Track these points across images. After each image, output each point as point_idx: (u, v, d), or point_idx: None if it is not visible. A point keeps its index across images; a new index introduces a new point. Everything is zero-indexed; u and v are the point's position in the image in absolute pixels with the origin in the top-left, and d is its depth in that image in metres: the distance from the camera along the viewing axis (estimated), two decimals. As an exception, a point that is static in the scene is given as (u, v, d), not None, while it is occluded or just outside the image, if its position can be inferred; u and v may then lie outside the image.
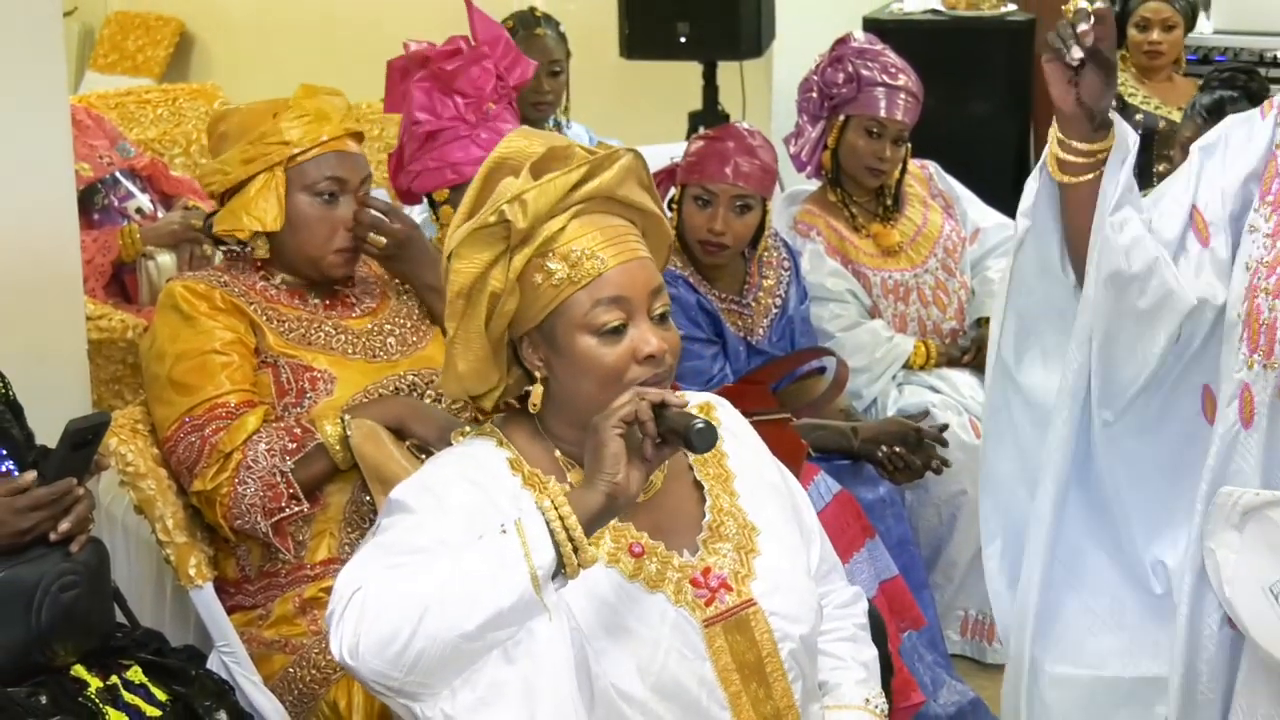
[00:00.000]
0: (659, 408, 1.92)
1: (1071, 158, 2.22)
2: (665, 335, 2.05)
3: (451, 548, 1.91)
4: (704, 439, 1.89)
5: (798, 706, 2.11)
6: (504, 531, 1.88)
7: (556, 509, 1.87)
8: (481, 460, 2.07)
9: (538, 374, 2.05)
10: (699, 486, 2.16)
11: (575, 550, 1.87)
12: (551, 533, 1.86)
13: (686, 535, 2.11)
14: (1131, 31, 5.19)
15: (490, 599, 1.84)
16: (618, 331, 2.01)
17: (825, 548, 2.28)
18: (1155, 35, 5.15)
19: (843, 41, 4.02)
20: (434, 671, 1.86)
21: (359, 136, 2.94)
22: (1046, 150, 2.25)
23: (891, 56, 3.98)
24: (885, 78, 3.93)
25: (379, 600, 1.85)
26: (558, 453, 2.08)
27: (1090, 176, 2.21)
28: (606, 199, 2.04)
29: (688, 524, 2.13)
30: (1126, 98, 5.17)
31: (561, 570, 1.88)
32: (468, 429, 2.15)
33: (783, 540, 2.16)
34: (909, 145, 4.01)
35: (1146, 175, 4.97)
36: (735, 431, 2.24)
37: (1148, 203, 2.29)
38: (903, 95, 3.92)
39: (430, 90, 3.21)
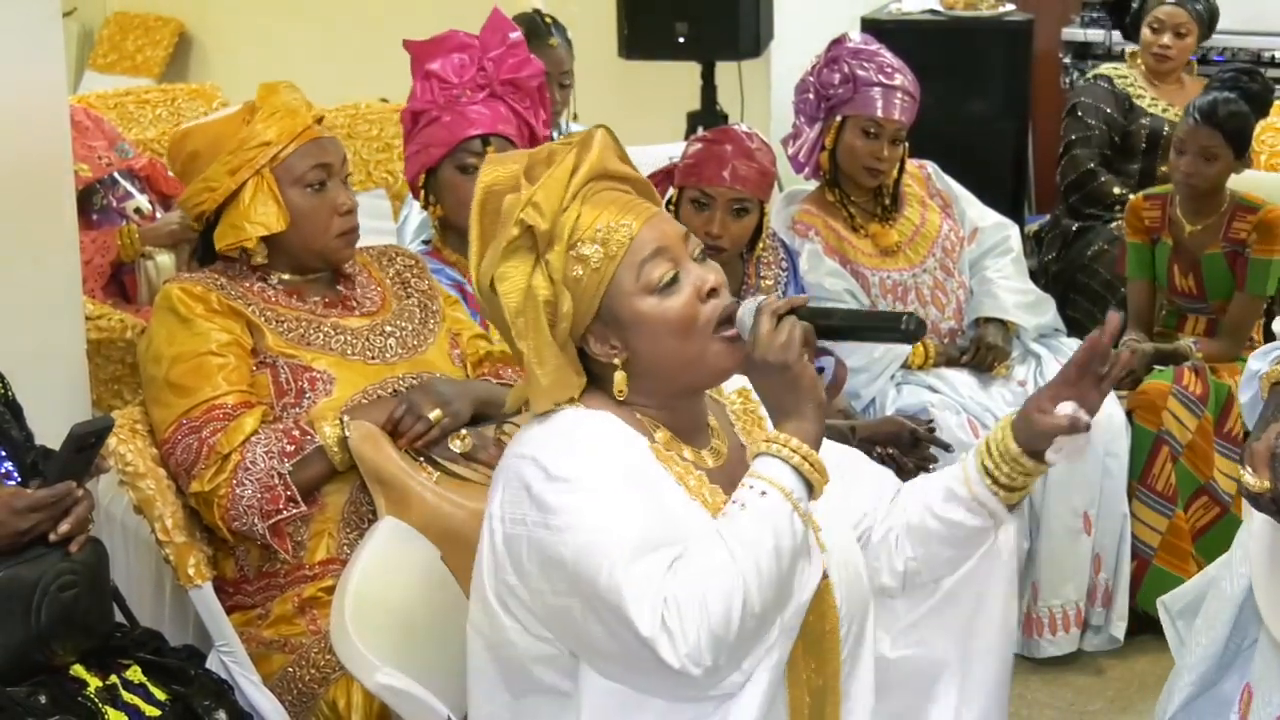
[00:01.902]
0: (807, 313, 2.04)
1: None
2: (716, 269, 2.09)
3: (682, 521, 1.97)
4: (919, 328, 2.03)
5: (841, 688, 2.11)
6: (764, 494, 1.96)
7: (794, 449, 1.98)
8: (610, 426, 2.05)
9: (616, 360, 2.06)
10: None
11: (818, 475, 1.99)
12: (795, 468, 1.98)
13: None
14: (1145, 31, 5.13)
15: (788, 548, 1.94)
16: (675, 281, 2.04)
17: (862, 472, 2.29)
18: (1166, 39, 5.09)
19: (838, 42, 4.02)
20: (746, 648, 1.95)
21: (320, 120, 2.95)
22: None
23: (887, 56, 3.98)
24: (881, 78, 3.92)
25: (693, 602, 1.89)
26: (638, 415, 2.09)
27: None
28: (600, 177, 2.07)
29: None
30: (1135, 99, 5.13)
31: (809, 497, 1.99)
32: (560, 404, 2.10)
33: (839, 514, 2.17)
34: (906, 145, 4.01)
35: (1150, 178, 4.97)
36: None
37: None
38: (899, 95, 3.92)
39: (415, 76, 3.31)
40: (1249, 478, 1.99)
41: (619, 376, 2.05)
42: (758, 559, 1.92)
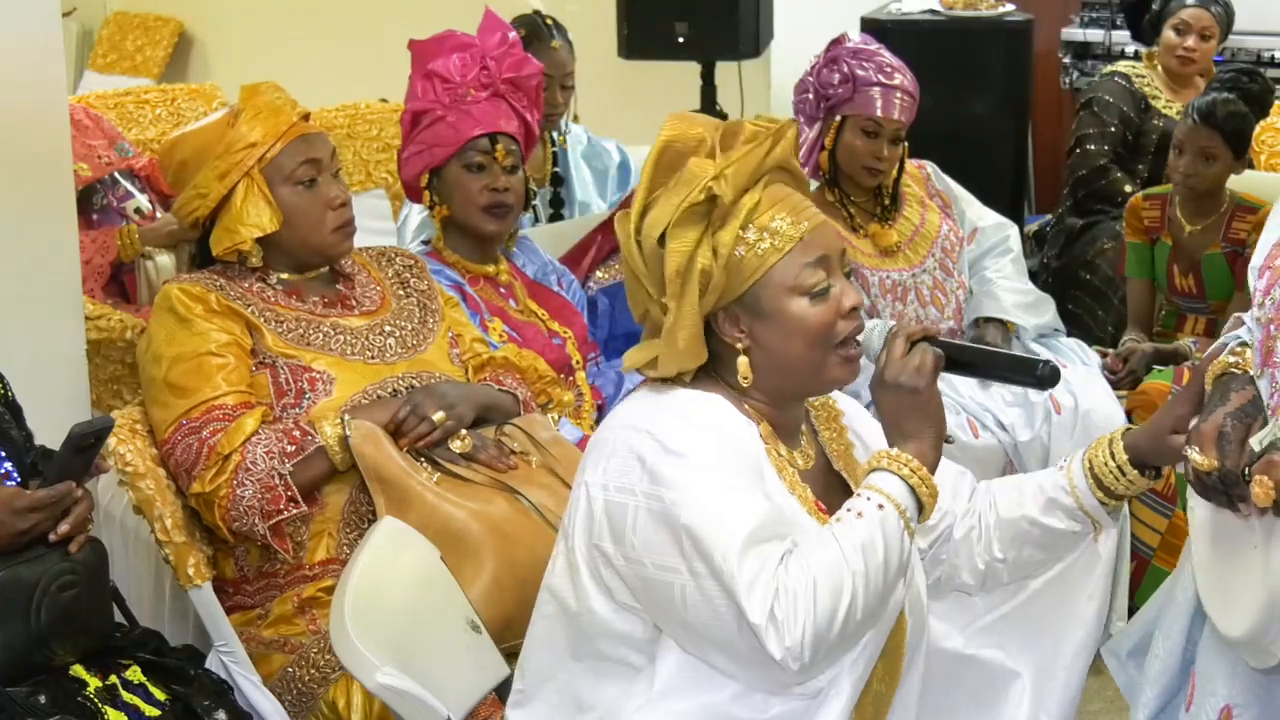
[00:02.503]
0: (940, 344, 2.12)
1: None
2: (857, 289, 2.15)
3: (785, 512, 2.02)
4: (1054, 375, 2.10)
5: (894, 697, 2.16)
6: (880, 507, 2.01)
7: (914, 470, 2.04)
8: (725, 410, 2.08)
9: (740, 345, 2.08)
10: (838, 474, 2.22)
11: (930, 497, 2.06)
12: (912, 488, 2.04)
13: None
14: (1168, 34, 5.12)
15: (896, 563, 2.00)
16: (826, 291, 2.07)
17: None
18: (1191, 42, 5.09)
19: (837, 42, 4.02)
20: (839, 653, 2.00)
21: (307, 116, 2.95)
22: None
23: (887, 56, 3.98)
24: (881, 77, 3.92)
25: (804, 597, 1.92)
26: (747, 405, 2.11)
27: None
28: (782, 169, 2.10)
29: (839, 504, 2.16)
30: (1150, 100, 5.13)
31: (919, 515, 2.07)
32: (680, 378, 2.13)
33: None
34: (906, 144, 4.00)
35: (1158, 180, 4.95)
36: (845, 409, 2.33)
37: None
38: (899, 94, 3.92)
39: (415, 77, 3.30)
40: (1196, 456, 2.01)
41: (742, 362, 2.08)
42: (869, 567, 1.97)
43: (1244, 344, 2.15)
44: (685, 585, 1.96)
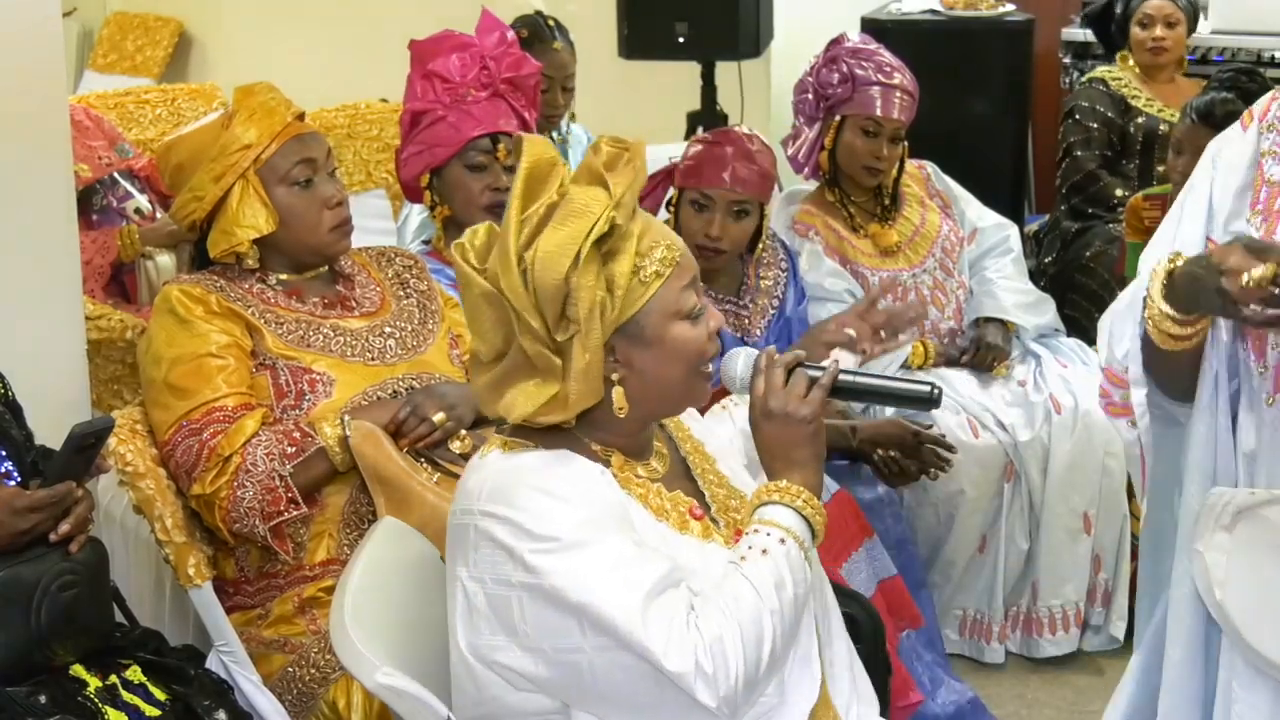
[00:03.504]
0: (812, 365, 2.13)
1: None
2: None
3: (661, 548, 2.01)
4: (934, 398, 2.13)
5: (826, 666, 2.18)
6: (782, 541, 2.03)
7: (806, 500, 2.07)
8: (579, 467, 2.05)
9: (615, 376, 2.05)
10: (684, 463, 2.22)
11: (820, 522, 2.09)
12: (806, 518, 2.06)
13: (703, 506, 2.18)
14: (1135, 30, 5.20)
15: (803, 595, 2.04)
16: (701, 312, 2.08)
17: None
18: (1159, 31, 5.16)
19: (836, 42, 4.02)
20: (760, 690, 2.01)
21: (302, 116, 2.95)
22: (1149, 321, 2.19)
23: (886, 55, 3.98)
24: (880, 77, 3.93)
25: (734, 644, 1.94)
26: (594, 445, 2.10)
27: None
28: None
29: (698, 496, 2.18)
30: (1130, 100, 5.17)
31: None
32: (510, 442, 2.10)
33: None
34: (906, 144, 4.01)
35: (1147, 178, 4.97)
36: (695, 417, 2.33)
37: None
38: (898, 94, 3.92)
39: (414, 77, 3.30)
40: (1258, 272, 1.97)
41: (618, 393, 2.05)
42: (782, 604, 1.99)
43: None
44: (592, 661, 1.95)
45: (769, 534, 2.03)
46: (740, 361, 2.16)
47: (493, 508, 2.00)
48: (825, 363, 2.14)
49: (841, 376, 2.13)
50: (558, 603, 1.95)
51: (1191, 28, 5.27)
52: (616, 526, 1.99)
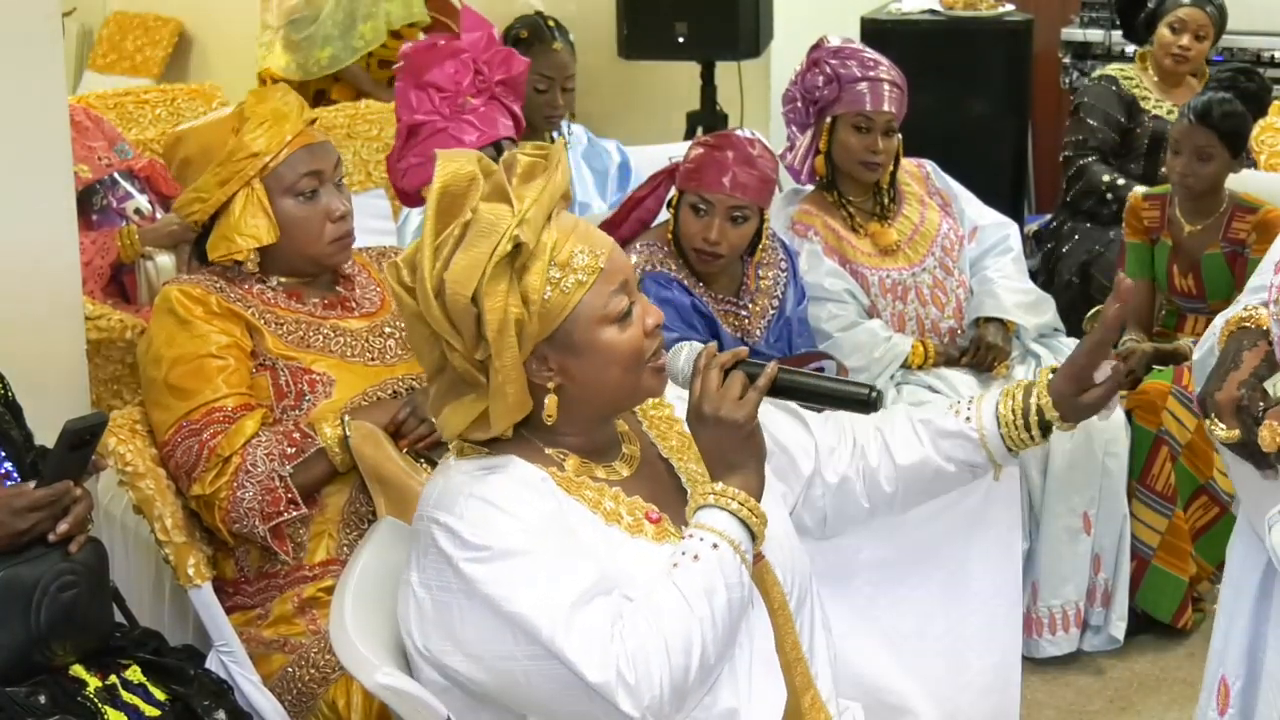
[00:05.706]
0: (751, 363, 2.09)
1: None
2: (655, 307, 2.12)
3: (602, 558, 2.00)
4: (876, 401, 2.11)
5: (806, 658, 2.17)
6: (715, 546, 2.00)
7: (742, 503, 2.03)
8: (519, 475, 2.05)
9: (550, 384, 2.05)
10: (666, 461, 2.21)
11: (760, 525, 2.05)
12: (742, 521, 2.03)
13: (675, 507, 2.14)
14: (1163, 31, 5.13)
15: (738, 600, 2.00)
16: (629, 313, 2.05)
17: (794, 439, 2.33)
18: (1186, 41, 5.10)
19: (816, 47, 4.02)
20: (694, 698, 1.99)
21: (313, 121, 2.94)
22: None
23: (867, 51, 3.98)
24: (865, 72, 3.92)
25: (656, 653, 1.93)
26: (547, 449, 2.09)
27: None
28: (563, 196, 2.06)
29: (673, 498, 2.16)
30: (1140, 100, 5.14)
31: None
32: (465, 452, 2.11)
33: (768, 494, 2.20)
34: (900, 137, 4.00)
35: (1152, 180, 4.96)
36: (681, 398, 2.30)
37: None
38: (886, 86, 3.92)
39: (407, 87, 3.28)
40: (1220, 432, 2.02)
41: (550, 401, 2.05)
42: (714, 611, 1.97)
43: (1257, 306, 2.15)
44: (526, 669, 1.95)
45: (702, 539, 2.01)
46: (683, 356, 2.15)
47: (438, 514, 2.02)
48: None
49: (781, 376, 2.10)
50: (492, 611, 1.96)
51: (1216, 40, 5.24)
52: (550, 535, 1.98)
